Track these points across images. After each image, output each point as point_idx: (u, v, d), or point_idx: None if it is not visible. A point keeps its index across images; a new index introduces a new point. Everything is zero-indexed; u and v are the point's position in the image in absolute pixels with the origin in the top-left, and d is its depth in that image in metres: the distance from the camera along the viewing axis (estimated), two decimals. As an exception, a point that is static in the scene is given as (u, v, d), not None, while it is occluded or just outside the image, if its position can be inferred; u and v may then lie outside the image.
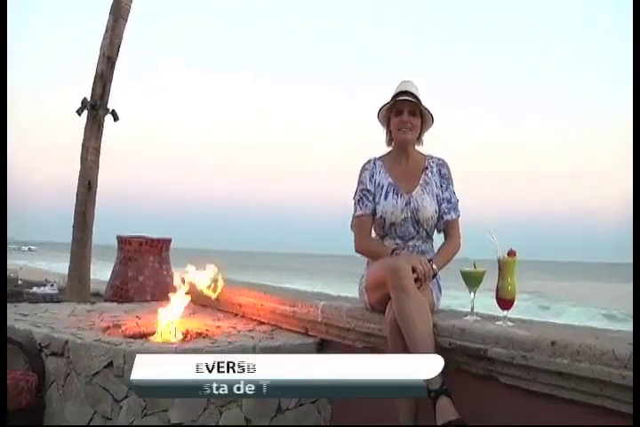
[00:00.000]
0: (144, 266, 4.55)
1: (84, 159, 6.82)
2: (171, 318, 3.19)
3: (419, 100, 2.43)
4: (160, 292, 4.58)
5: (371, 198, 2.50)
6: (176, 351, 2.54)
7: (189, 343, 2.78)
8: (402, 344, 2.10)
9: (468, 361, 2.05)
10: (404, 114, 2.43)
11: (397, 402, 2.13)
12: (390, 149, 2.61)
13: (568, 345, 1.73)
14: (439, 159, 2.57)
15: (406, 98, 2.42)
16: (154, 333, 3.12)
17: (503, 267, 2.09)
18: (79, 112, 6.89)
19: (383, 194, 2.48)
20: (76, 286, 6.54)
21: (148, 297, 4.49)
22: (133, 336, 3.07)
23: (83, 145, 6.83)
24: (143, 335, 3.12)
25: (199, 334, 3.14)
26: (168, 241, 4.72)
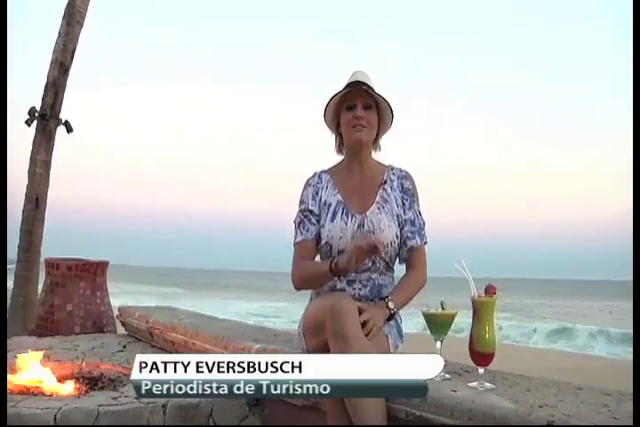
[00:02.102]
0: (73, 293, 3.95)
1: (31, 173, 6.26)
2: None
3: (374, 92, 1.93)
4: (92, 323, 3.99)
5: (314, 220, 1.96)
6: (56, 414, 1.95)
7: (85, 398, 2.19)
8: (343, 410, 1.54)
9: (432, 438, 1.49)
10: (358, 108, 1.92)
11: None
12: (341, 158, 2.09)
13: (572, 430, 1.18)
14: (401, 170, 2.04)
15: (359, 86, 1.91)
16: (62, 378, 2.55)
17: (480, 308, 1.53)
18: (28, 123, 6.35)
19: (330, 215, 1.94)
20: (20, 313, 5.91)
21: (77, 329, 3.89)
22: (29, 386, 2.48)
23: (31, 158, 6.28)
24: (44, 383, 2.53)
25: (112, 382, 2.56)
26: (104, 264, 4.12)
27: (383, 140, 2.07)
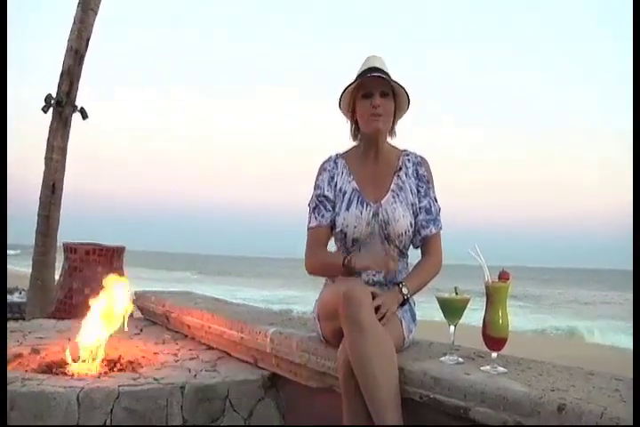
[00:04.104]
0: (91, 277, 4.02)
1: (48, 159, 6.33)
2: (95, 342, 2.67)
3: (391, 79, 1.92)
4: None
5: (329, 207, 1.97)
6: (79, 393, 2.01)
7: (105, 378, 2.25)
8: (359, 395, 1.58)
9: (445, 420, 1.53)
10: (375, 96, 1.90)
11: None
12: (355, 143, 2.09)
13: (583, 413, 1.20)
14: (417, 156, 2.03)
15: (376, 74, 1.90)
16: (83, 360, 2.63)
17: (493, 294, 1.55)
18: (45, 109, 6.40)
19: (345, 203, 1.95)
20: (38, 296, 6.02)
21: (95, 313, 3.95)
22: (50, 366, 2.55)
23: (47, 144, 6.34)
24: (64, 364, 2.60)
25: (130, 363, 2.62)
26: (120, 249, 4.19)
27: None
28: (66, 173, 6.40)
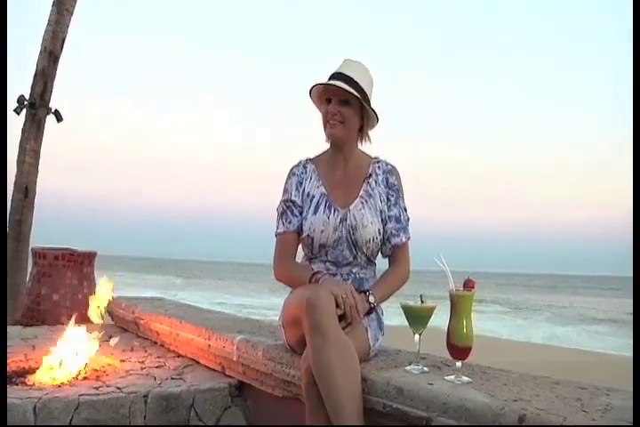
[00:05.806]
0: (60, 283, 3.93)
1: (20, 162, 6.20)
2: (62, 350, 2.60)
3: (355, 86, 1.83)
4: (79, 313, 3.97)
5: (296, 212, 1.94)
6: (36, 403, 1.94)
7: (66, 387, 2.18)
8: (322, 404, 1.54)
9: (408, 430, 1.49)
10: (332, 103, 1.87)
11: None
12: (328, 147, 2.05)
13: (543, 424, 1.18)
14: (387, 164, 2.00)
15: (333, 83, 1.84)
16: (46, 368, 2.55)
17: (457, 303, 1.52)
18: (17, 111, 6.27)
19: (312, 207, 1.91)
20: (9, 302, 5.88)
21: (64, 319, 3.85)
22: (10, 376, 2.47)
23: (19, 147, 6.21)
24: (26, 373, 2.53)
25: (95, 371, 2.55)
26: (91, 255, 4.10)
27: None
28: (39, 175, 6.29)
